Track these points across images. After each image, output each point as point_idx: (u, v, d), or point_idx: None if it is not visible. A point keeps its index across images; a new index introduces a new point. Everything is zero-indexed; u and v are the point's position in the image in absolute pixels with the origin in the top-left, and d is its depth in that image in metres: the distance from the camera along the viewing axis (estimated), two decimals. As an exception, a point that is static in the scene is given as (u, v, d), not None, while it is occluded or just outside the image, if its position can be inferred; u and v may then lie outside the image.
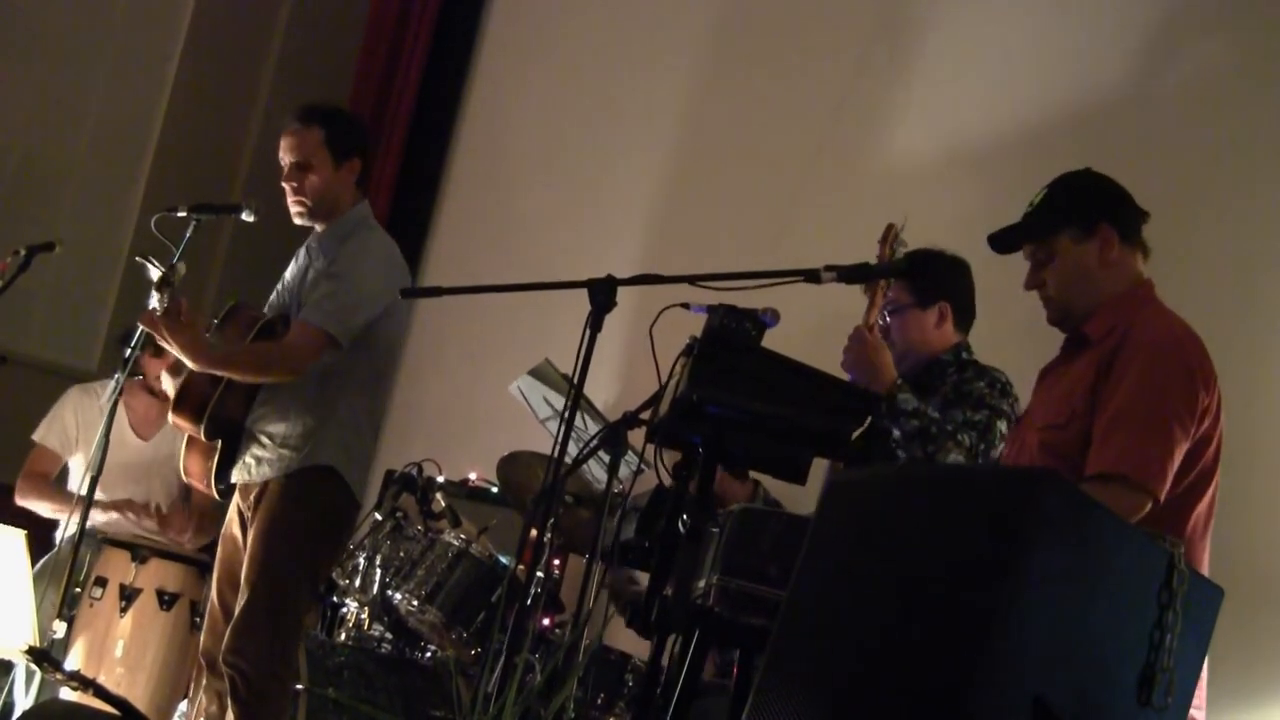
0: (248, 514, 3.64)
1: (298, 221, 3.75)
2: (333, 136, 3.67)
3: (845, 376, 3.21)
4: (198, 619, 4.30)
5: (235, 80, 7.04)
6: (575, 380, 2.73)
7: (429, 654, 4.36)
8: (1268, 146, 3.70)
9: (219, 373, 3.58)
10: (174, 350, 3.50)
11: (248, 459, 3.64)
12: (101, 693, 3.45)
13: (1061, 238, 2.80)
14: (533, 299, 4.68)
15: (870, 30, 5.01)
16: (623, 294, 2.75)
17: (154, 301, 3.43)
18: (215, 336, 3.66)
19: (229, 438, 3.66)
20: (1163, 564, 1.96)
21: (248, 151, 6.97)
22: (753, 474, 4.18)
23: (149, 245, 3.89)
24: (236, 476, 3.67)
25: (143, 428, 4.73)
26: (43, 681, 3.93)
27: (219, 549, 3.75)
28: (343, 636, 4.48)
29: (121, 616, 4.26)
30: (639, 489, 3.32)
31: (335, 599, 4.53)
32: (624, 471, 3.49)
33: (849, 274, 2.78)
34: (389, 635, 4.40)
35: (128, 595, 4.27)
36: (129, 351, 3.79)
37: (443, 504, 4.42)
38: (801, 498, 3.17)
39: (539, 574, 3.88)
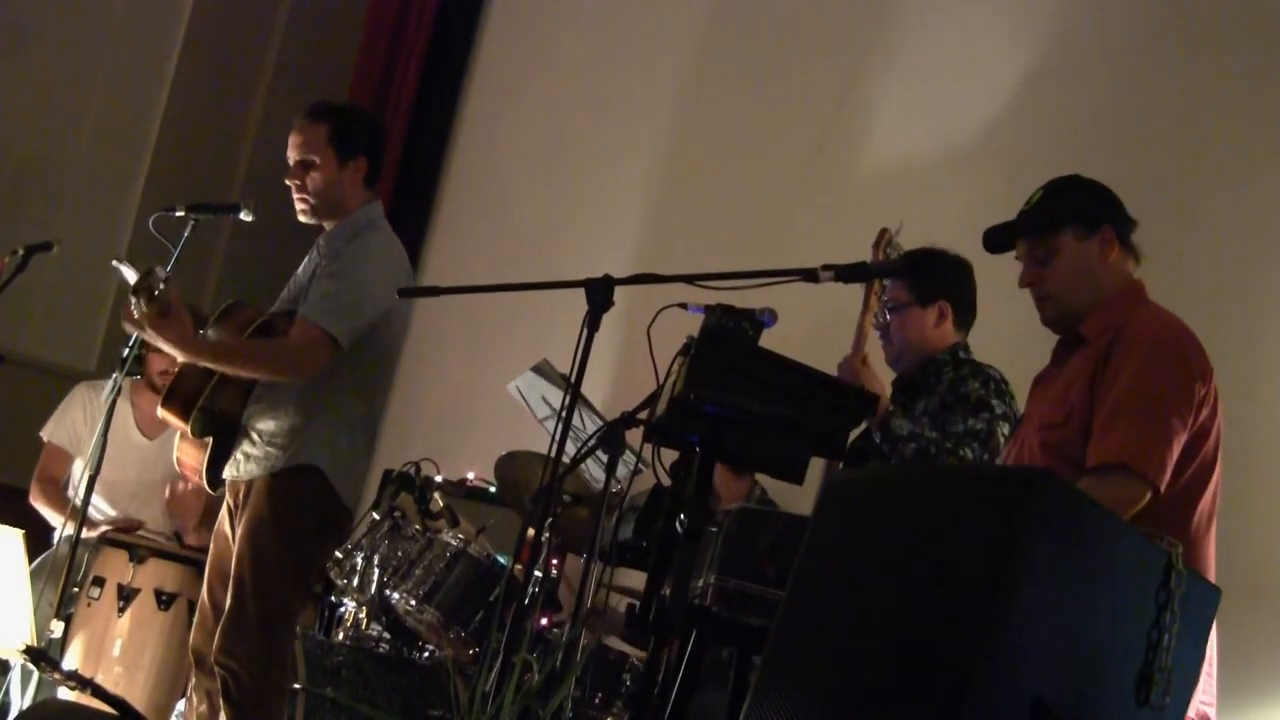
0: (237, 511, 3.62)
1: (302, 219, 3.73)
2: (338, 134, 3.63)
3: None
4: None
5: (233, 80, 7.05)
6: (573, 380, 2.72)
7: (427, 653, 4.36)
8: (1267, 145, 3.70)
9: (210, 366, 3.55)
10: (164, 347, 3.49)
11: (238, 455, 3.61)
12: (99, 692, 3.44)
13: (1064, 235, 2.81)
14: (530, 299, 4.69)
15: (867, 31, 5.00)
16: (620, 294, 2.75)
17: (133, 306, 3.41)
18: (212, 332, 3.64)
19: (223, 434, 3.64)
20: (1160, 564, 1.96)
21: (246, 151, 6.98)
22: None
23: (147, 245, 3.89)
24: (228, 472, 3.65)
25: (148, 426, 4.72)
26: (40, 681, 3.93)
27: (211, 545, 3.72)
28: (341, 636, 4.48)
29: (119, 616, 4.26)
30: (636, 489, 3.32)
31: (333, 598, 4.53)
32: (622, 471, 3.48)
33: (847, 273, 2.78)
34: (387, 635, 4.40)
35: (126, 595, 4.27)
36: (126, 351, 3.79)
37: (441, 503, 4.41)
38: (798, 497, 3.18)
39: (537, 573, 3.88)
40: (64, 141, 6.72)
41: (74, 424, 4.72)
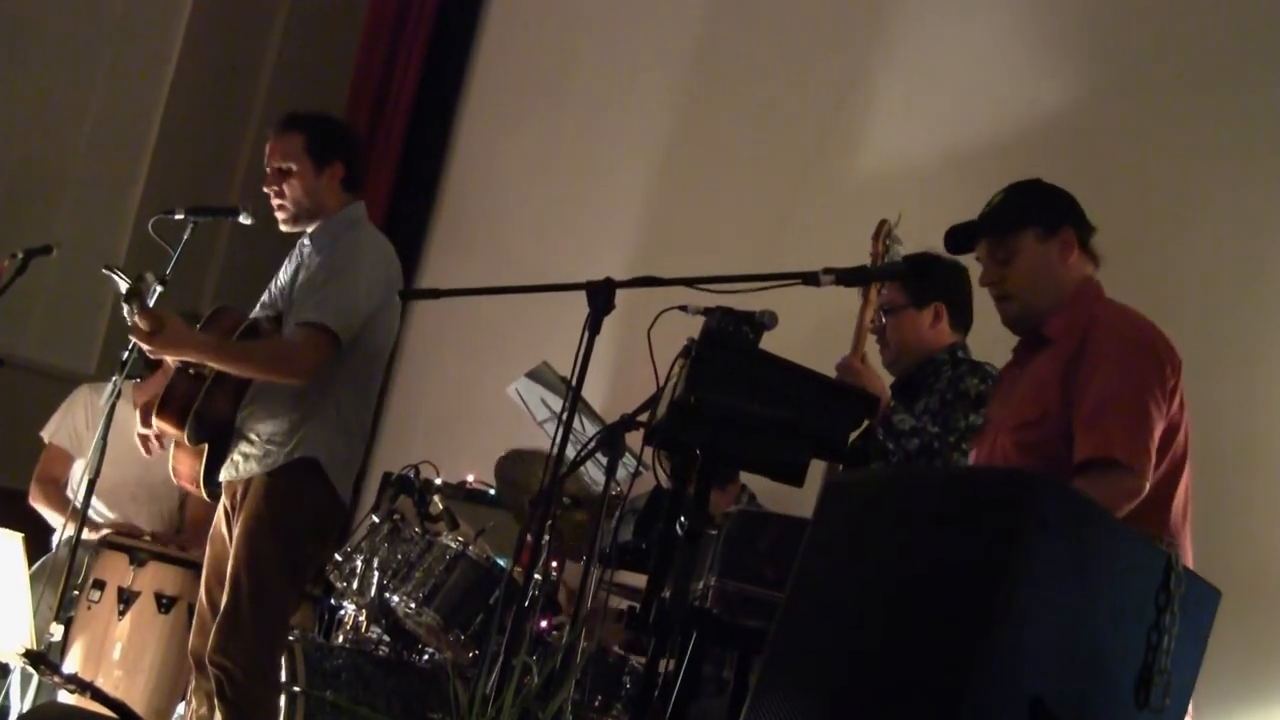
0: (234, 512, 3.63)
1: (284, 228, 3.78)
2: (313, 142, 3.71)
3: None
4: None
5: (233, 82, 7.05)
6: (574, 382, 2.72)
7: (427, 656, 4.36)
8: (1267, 144, 3.71)
9: (215, 366, 3.56)
10: (165, 354, 3.51)
11: (235, 457, 3.63)
12: (99, 695, 3.44)
13: (1025, 236, 2.85)
14: (530, 301, 4.68)
15: (866, 32, 5.01)
16: (619, 296, 2.75)
17: (126, 314, 3.43)
18: (202, 336, 3.66)
19: (217, 439, 3.65)
20: (1160, 565, 1.96)
21: (245, 154, 6.97)
22: (742, 477, 4.18)
23: (147, 248, 3.89)
24: (224, 475, 3.66)
25: None
26: (40, 684, 3.93)
27: (208, 547, 3.73)
28: (340, 639, 4.48)
29: (120, 619, 4.25)
30: (636, 491, 3.32)
31: (333, 601, 4.53)
32: (622, 474, 3.48)
33: (847, 277, 2.79)
34: (387, 637, 4.40)
35: (126, 598, 4.26)
36: (126, 353, 3.79)
37: (440, 506, 4.42)
38: (797, 499, 3.17)
39: (536, 576, 3.87)
40: (63, 144, 6.72)
41: (76, 425, 4.72)
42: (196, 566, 4.39)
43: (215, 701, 3.48)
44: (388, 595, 4.20)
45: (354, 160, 3.78)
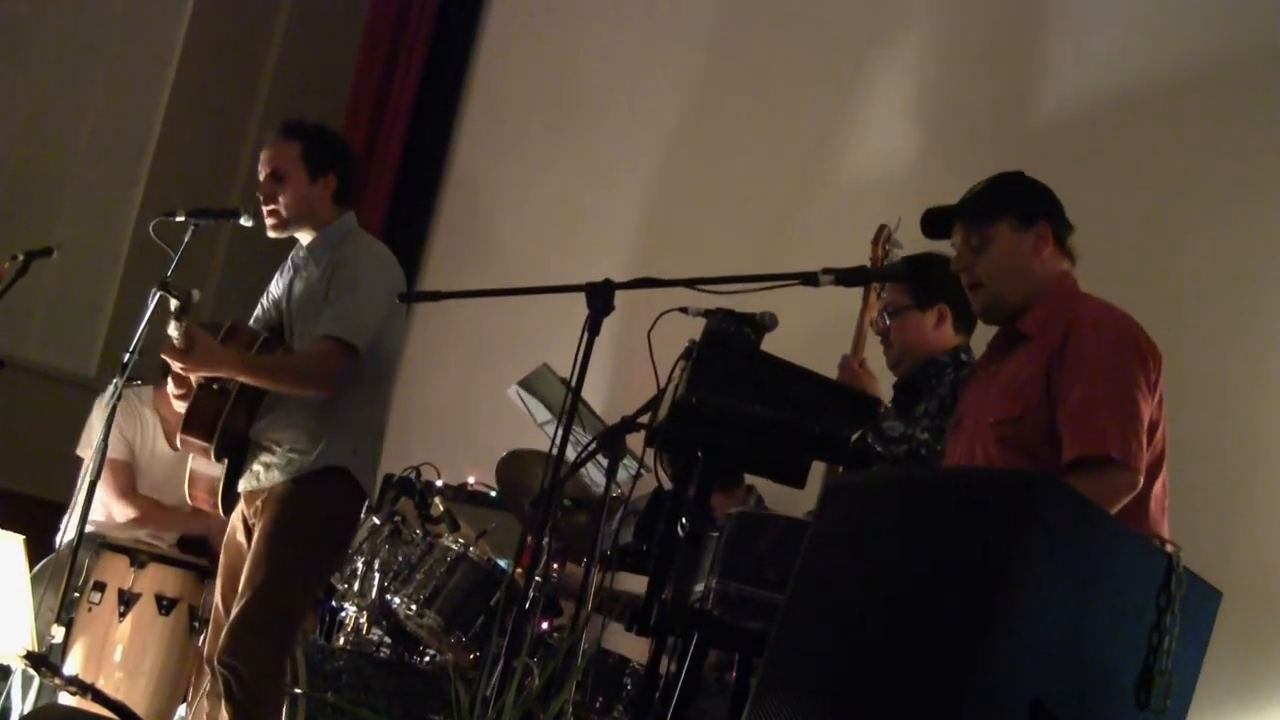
0: (252, 520, 3.66)
1: (271, 234, 3.80)
2: (310, 151, 3.74)
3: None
4: (196, 624, 4.30)
5: (233, 84, 7.05)
6: (574, 384, 2.72)
7: (428, 658, 4.36)
8: (1267, 144, 3.71)
9: (245, 379, 3.61)
10: (199, 371, 3.55)
11: (255, 467, 3.67)
12: (100, 697, 3.44)
13: (1000, 225, 2.84)
14: (530, 303, 4.69)
15: (866, 33, 5.01)
16: (619, 297, 2.75)
17: (171, 330, 3.45)
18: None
19: (234, 453, 3.70)
20: (1161, 567, 1.96)
21: (246, 156, 6.96)
22: (748, 478, 4.18)
23: (147, 250, 3.89)
24: (243, 485, 3.71)
25: (176, 438, 4.71)
26: (41, 686, 3.93)
27: (222, 555, 3.77)
28: (341, 641, 4.47)
29: (120, 621, 4.25)
30: (638, 492, 3.32)
31: (334, 603, 4.53)
32: (622, 475, 3.49)
33: (847, 277, 2.79)
34: (388, 639, 4.40)
35: (126, 600, 4.26)
36: (127, 357, 3.79)
37: (441, 508, 4.42)
38: (799, 501, 3.17)
39: (537, 577, 3.87)
40: (64, 146, 6.71)
41: (122, 430, 4.69)
42: (197, 569, 4.40)
43: (224, 704, 3.50)
44: (389, 597, 4.20)
45: (348, 173, 3.83)
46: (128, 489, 4.64)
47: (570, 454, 2.88)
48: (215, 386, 3.64)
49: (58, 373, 6.46)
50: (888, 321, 3.46)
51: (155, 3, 6.93)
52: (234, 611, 3.53)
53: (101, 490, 4.46)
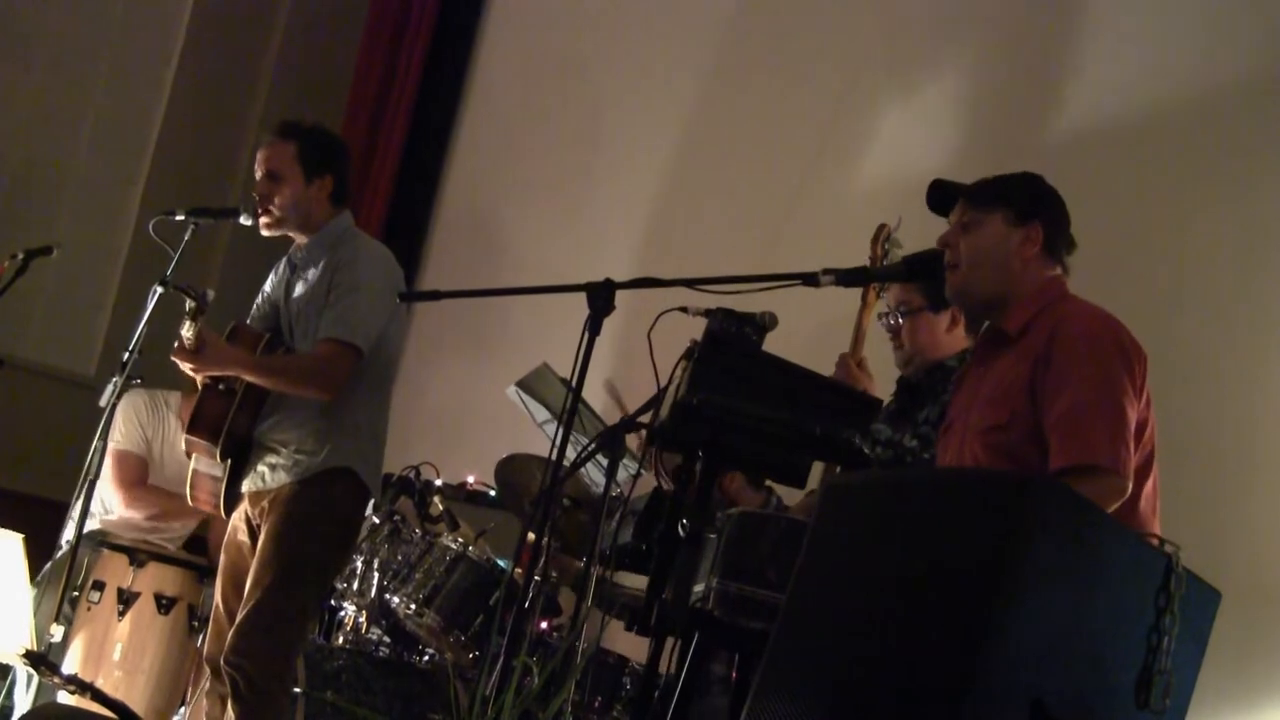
0: (257, 521, 3.67)
1: (266, 232, 3.81)
2: (306, 152, 3.75)
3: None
4: (195, 623, 4.30)
5: (233, 83, 7.04)
6: (574, 384, 2.72)
7: (427, 657, 4.36)
8: (1267, 145, 3.71)
9: (252, 379, 3.62)
10: (207, 371, 3.57)
11: (260, 468, 3.68)
12: (99, 696, 3.44)
13: (995, 214, 2.84)
14: (530, 302, 4.69)
15: (867, 33, 5.01)
16: (619, 297, 2.75)
17: (185, 330, 3.46)
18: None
19: (238, 454, 3.71)
20: (1160, 567, 1.97)
21: (245, 155, 6.95)
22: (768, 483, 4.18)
23: (147, 249, 3.89)
24: (247, 486, 3.72)
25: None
26: (40, 685, 3.93)
27: (223, 556, 3.78)
28: (341, 640, 4.47)
29: (120, 620, 4.25)
30: (636, 492, 3.32)
31: (333, 602, 4.52)
32: (622, 475, 3.49)
33: (847, 278, 2.79)
34: (387, 639, 4.40)
35: (126, 599, 4.26)
36: (126, 355, 3.79)
37: (441, 507, 4.42)
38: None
39: (537, 577, 3.88)
40: (64, 145, 6.71)
41: (141, 426, 4.69)
42: (196, 568, 4.40)
43: (228, 703, 3.51)
44: (388, 596, 4.21)
45: (345, 173, 3.84)
46: (133, 481, 4.64)
47: (570, 454, 2.88)
48: (221, 387, 3.66)
49: (57, 372, 6.46)
50: (899, 320, 3.44)
51: (155, 3, 6.93)
52: (242, 611, 3.54)
53: (104, 483, 4.47)
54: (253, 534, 3.68)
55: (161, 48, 6.88)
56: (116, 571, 4.30)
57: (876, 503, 2.20)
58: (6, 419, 6.01)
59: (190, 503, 3.87)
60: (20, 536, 3.81)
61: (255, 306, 3.91)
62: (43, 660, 3.58)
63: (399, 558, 4.25)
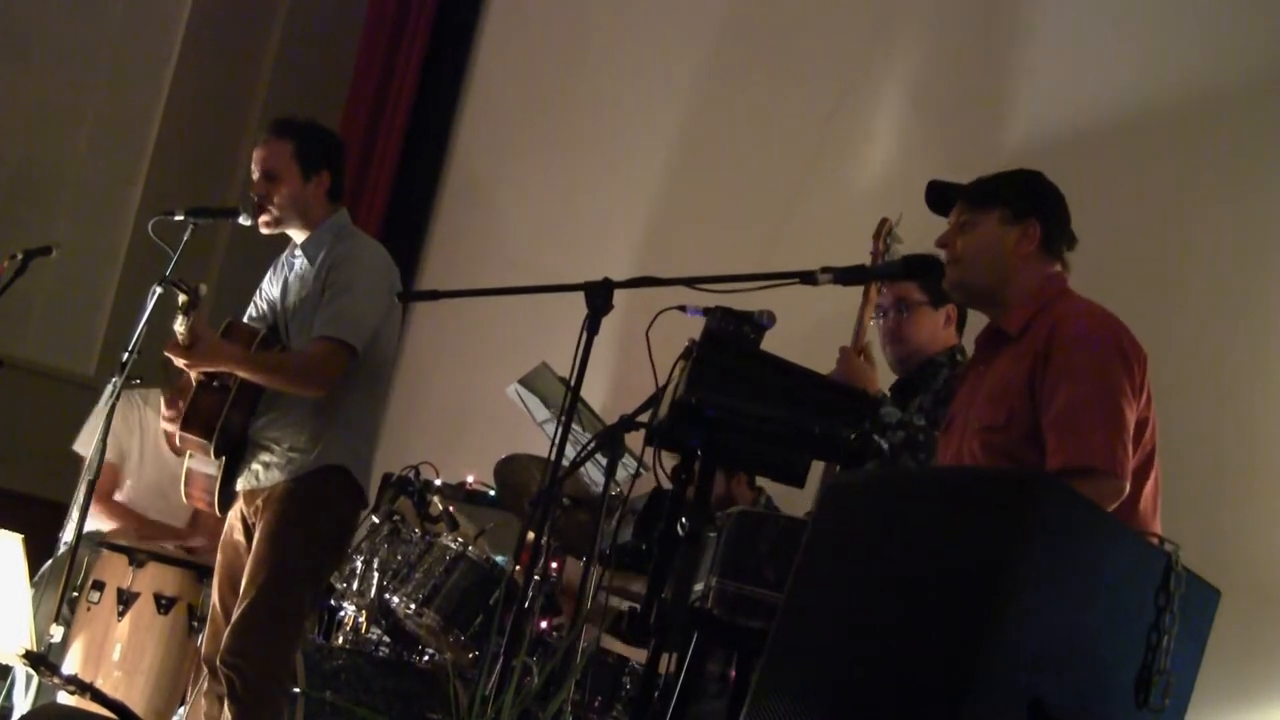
0: (252, 520, 3.67)
1: (264, 231, 3.81)
2: (302, 149, 3.75)
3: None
4: (195, 623, 4.29)
5: (232, 83, 7.05)
6: (573, 383, 2.72)
7: (427, 657, 4.36)
8: (1268, 145, 3.71)
9: (245, 376, 3.62)
10: (200, 367, 3.56)
11: (254, 466, 3.68)
12: (99, 696, 3.44)
13: (992, 213, 2.84)
14: (529, 302, 4.69)
15: (866, 34, 5.01)
16: (617, 296, 2.75)
17: (178, 325, 3.46)
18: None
19: (232, 452, 3.70)
20: (1160, 566, 1.96)
21: (244, 155, 6.94)
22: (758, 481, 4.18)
23: (146, 249, 3.89)
24: (241, 485, 3.71)
25: (177, 437, 4.70)
26: (40, 685, 3.92)
27: (219, 555, 3.77)
28: (340, 639, 4.47)
29: (119, 620, 4.25)
30: (636, 492, 3.32)
31: (332, 602, 4.53)
32: (621, 474, 3.48)
33: (845, 276, 2.79)
34: (386, 638, 4.40)
35: (125, 599, 4.26)
36: (125, 356, 3.79)
37: (440, 507, 4.42)
38: (800, 500, 3.17)
39: (536, 577, 3.88)
40: (63, 145, 6.72)
41: (116, 434, 4.68)
42: (196, 567, 4.40)
43: (226, 703, 3.51)
44: (388, 596, 4.20)
45: (341, 170, 3.85)
46: (104, 492, 4.63)
47: (569, 453, 2.88)
48: (215, 384, 3.65)
49: (57, 372, 6.47)
50: (898, 315, 3.46)
51: (155, 3, 6.93)
52: (237, 611, 3.54)
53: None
54: (248, 533, 3.68)
55: (161, 47, 6.88)
56: (116, 572, 4.29)
57: (876, 502, 2.20)
58: (6, 419, 6.01)
59: (185, 500, 3.85)
60: (20, 536, 3.81)
61: (252, 304, 3.91)
62: (42, 660, 3.58)
63: (399, 557, 4.25)
